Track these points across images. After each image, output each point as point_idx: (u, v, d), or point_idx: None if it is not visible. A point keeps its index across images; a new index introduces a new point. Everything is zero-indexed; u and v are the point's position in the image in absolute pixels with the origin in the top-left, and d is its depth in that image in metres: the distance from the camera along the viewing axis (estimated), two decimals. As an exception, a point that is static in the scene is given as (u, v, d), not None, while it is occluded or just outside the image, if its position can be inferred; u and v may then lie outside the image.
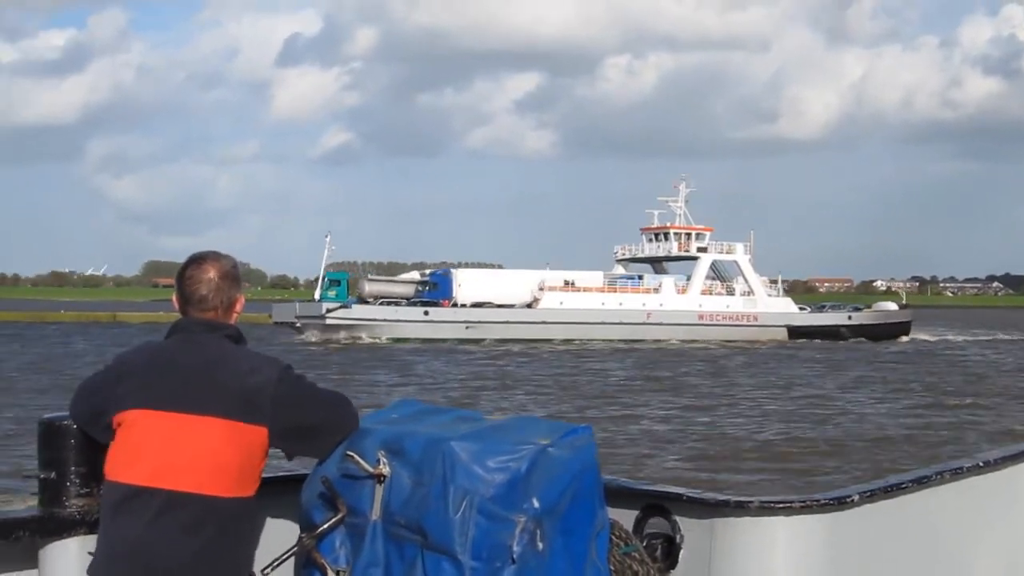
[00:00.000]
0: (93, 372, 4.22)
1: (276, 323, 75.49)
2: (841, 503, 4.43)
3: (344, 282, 78.53)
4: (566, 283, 78.99)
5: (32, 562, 4.13)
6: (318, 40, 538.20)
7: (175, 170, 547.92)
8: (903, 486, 4.66)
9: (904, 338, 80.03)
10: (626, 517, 4.46)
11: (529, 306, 76.93)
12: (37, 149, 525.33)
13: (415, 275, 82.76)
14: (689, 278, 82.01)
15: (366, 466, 3.98)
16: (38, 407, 26.90)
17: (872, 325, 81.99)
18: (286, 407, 3.99)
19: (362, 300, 75.81)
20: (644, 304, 78.45)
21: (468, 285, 77.00)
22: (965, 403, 34.03)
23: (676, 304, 79.02)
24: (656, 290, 80.00)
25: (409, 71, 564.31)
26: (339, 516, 4.00)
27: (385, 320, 73.43)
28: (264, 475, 4.08)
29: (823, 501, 4.42)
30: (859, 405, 34.06)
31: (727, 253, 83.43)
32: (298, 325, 73.47)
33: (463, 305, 75.73)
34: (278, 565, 4.02)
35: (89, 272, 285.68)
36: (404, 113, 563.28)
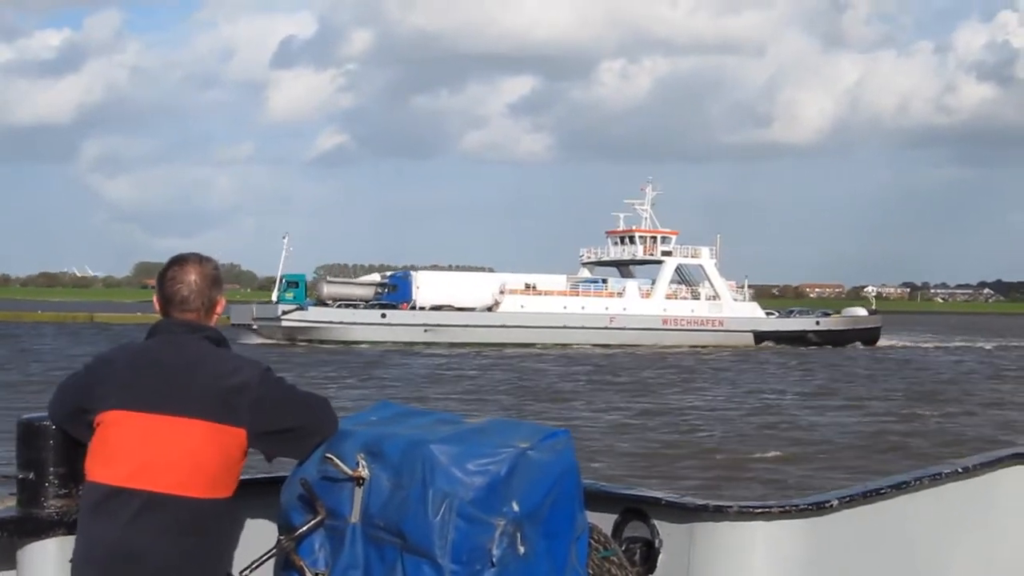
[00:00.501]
0: (71, 372, 4.20)
1: (234, 324, 74.99)
2: (820, 508, 4.46)
3: (302, 284, 77.79)
4: (527, 286, 78.41)
5: (10, 563, 4.11)
6: (313, 42, 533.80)
7: (169, 171, 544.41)
8: (882, 491, 4.68)
9: (860, 344, 79.91)
10: (605, 521, 4.46)
11: (490, 309, 76.50)
12: (31, 149, 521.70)
13: (375, 277, 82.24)
14: (654, 282, 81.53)
15: (345, 469, 3.98)
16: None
17: (840, 331, 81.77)
18: (266, 409, 3.99)
19: (320, 302, 75.34)
20: (607, 308, 77.96)
21: (428, 287, 76.30)
22: (904, 412, 34.01)
23: (640, 308, 78.40)
24: (620, 294, 79.44)
25: (404, 73, 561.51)
26: (318, 519, 3.99)
27: (341, 323, 72.74)
28: (243, 476, 4.07)
29: (802, 506, 4.44)
30: (802, 411, 34.24)
31: (693, 257, 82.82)
32: (255, 327, 72.94)
33: (422, 308, 75.16)
34: (257, 567, 4.01)
35: (76, 271, 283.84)
36: (399, 115, 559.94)
